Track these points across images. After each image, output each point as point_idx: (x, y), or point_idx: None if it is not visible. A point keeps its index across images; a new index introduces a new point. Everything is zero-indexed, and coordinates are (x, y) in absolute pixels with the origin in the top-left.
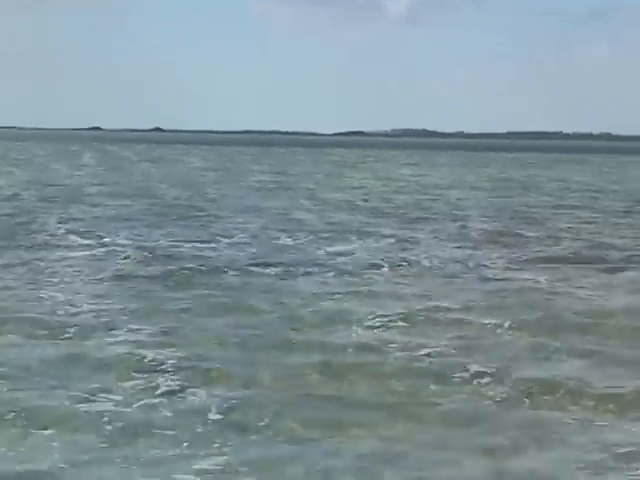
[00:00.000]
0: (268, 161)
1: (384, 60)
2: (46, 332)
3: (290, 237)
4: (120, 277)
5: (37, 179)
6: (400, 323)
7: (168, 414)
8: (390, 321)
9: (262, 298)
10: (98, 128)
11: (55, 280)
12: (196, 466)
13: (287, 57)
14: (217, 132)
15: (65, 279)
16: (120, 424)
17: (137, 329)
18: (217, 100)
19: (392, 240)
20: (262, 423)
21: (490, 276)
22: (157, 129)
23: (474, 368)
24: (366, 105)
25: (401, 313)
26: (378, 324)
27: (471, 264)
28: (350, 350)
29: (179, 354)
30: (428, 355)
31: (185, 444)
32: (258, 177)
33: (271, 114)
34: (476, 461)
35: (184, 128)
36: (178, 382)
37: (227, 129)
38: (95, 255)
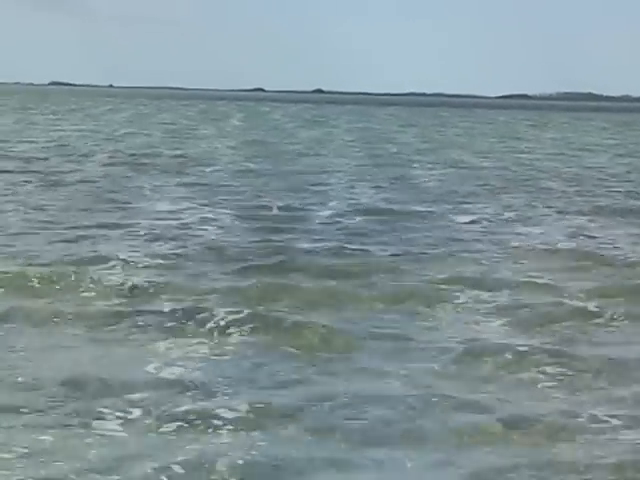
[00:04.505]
0: (422, 125)
1: (551, 22)
2: None
3: (423, 204)
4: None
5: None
6: None
7: None
8: None
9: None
10: (261, 89)
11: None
12: None
13: (452, 17)
14: (378, 94)
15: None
16: None
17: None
18: (379, 62)
19: (511, 213)
20: None
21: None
22: (318, 91)
23: None
24: (532, 68)
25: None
26: None
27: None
28: None
29: None
30: None
31: None
32: (403, 139)
33: (435, 76)
34: None
35: (345, 90)
36: None
37: (389, 91)
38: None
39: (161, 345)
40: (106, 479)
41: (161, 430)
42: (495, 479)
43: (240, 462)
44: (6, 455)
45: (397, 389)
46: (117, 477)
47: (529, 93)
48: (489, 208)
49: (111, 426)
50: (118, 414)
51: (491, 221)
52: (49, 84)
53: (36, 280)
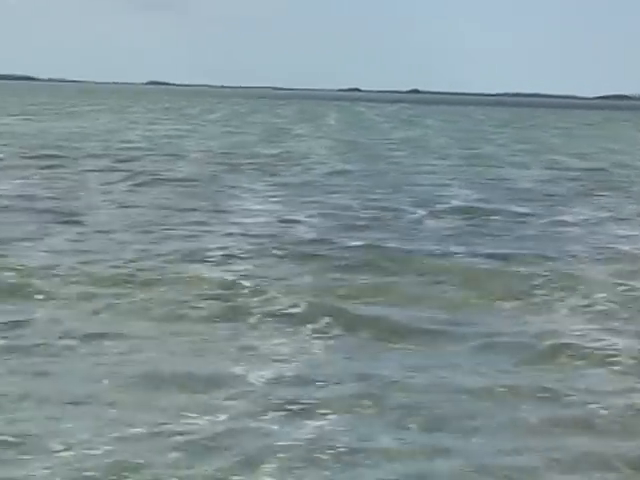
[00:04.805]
0: (518, 126)
1: None
2: None
3: (517, 204)
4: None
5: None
6: None
7: None
8: None
9: None
10: (357, 89)
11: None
12: None
13: (548, 16)
14: (475, 94)
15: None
16: None
17: None
18: (476, 63)
19: (607, 215)
20: None
21: None
22: (414, 91)
23: None
24: (630, 67)
25: None
26: None
27: None
28: None
29: None
30: None
31: None
32: (498, 139)
33: (532, 76)
34: None
35: (441, 90)
36: None
37: (485, 92)
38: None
39: (253, 341)
40: (191, 473)
41: (250, 424)
42: (576, 467)
43: (335, 450)
44: (92, 451)
45: (481, 382)
46: (199, 471)
47: (628, 93)
48: (584, 209)
49: (200, 421)
50: (207, 409)
51: (586, 222)
52: (147, 83)
53: (129, 277)
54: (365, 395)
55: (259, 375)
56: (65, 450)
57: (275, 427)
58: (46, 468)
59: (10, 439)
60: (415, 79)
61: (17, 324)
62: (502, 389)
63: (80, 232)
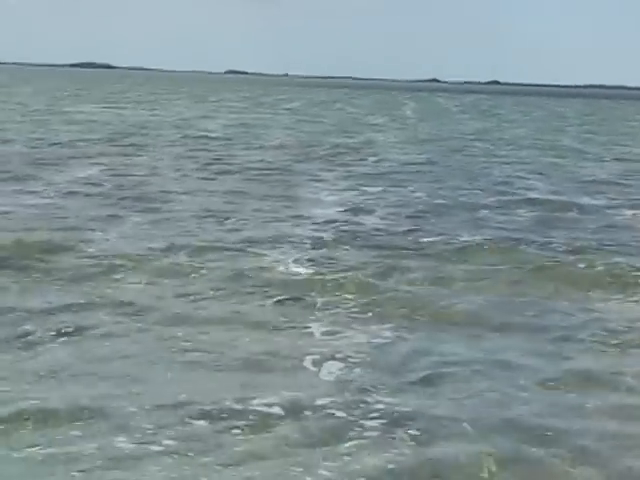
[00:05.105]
0: (599, 118)
1: None
2: None
3: (591, 197)
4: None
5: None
6: None
7: None
8: None
9: None
10: (436, 80)
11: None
12: None
13: (632, 8)
14: (556, 86)
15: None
16: None
17: None
18: (555, 54)
19: None
20: None
21: None
22: (494, 82)
23: None
24: None
25: None
26: None
27: None
28: None
29: None
30: None
31: None
32: (577, 131)
33: (609, 68)
34: None
35: (522, 81)
36: None
37: (567, 83)
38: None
39: (321, 328)
40: (261, 455)
41: (319, 407)
42: None
43: (407, 433)
44: (155, 447)
45: (555, 370)
46: (268, 453)
47: None
48: None
49: (268, 404)
50: (275, 393)
51: None
52: (225, 72)
53: (200, 264)
54: (436, 380)
55: (329, 361)
56: (132, 432)
57: (344, 413)
58: (113, 449)
59: (79, 419)
60: (495, 70)
61: (89, 307)
62: (574, 376)
63: (154, 220)
